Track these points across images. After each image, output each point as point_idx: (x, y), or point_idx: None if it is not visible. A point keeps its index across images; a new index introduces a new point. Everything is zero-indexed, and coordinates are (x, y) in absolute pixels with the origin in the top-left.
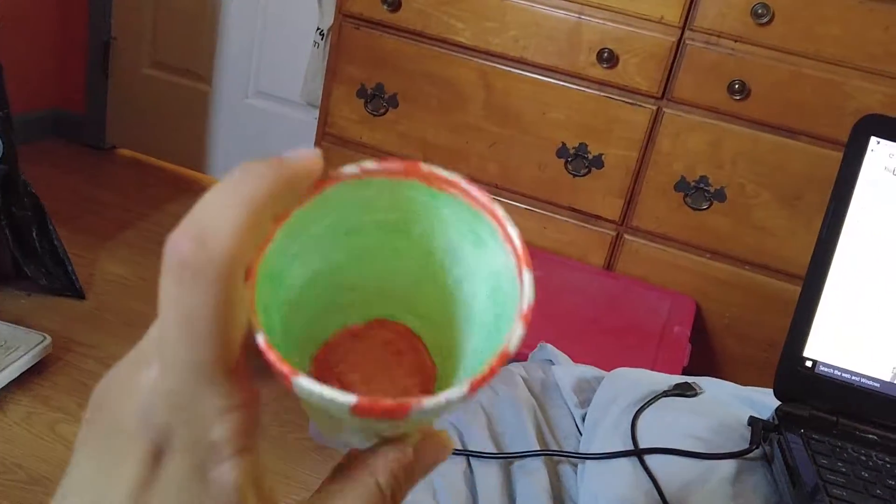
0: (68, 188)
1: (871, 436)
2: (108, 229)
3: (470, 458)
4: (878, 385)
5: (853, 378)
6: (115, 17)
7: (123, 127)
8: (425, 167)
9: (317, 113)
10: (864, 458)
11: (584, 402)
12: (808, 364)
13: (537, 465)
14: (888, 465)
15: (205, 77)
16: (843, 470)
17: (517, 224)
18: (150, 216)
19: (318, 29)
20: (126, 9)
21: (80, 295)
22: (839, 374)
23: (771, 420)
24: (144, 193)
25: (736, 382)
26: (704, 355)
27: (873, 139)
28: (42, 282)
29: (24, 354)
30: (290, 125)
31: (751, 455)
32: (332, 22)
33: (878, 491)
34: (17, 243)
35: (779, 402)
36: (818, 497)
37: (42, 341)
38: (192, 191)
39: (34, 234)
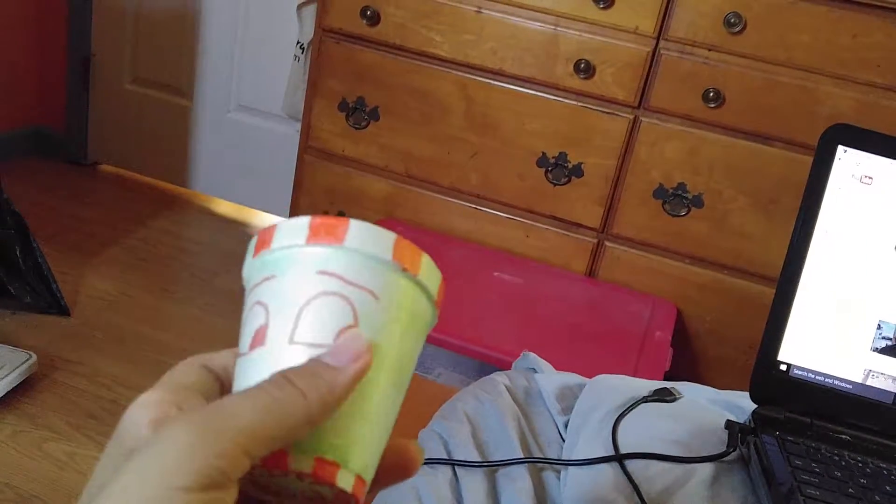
0: (51, 205)
1: (844, 436)
2: (91, 246)
3: (455, 466)
4: (850, 387)
5: (826, 380)
6: (94, 34)
7: (105, 143)
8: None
9: (299, 126)
10: (837, 458)
11: (567, 410)
12: (783, 368)
13: (521, 472)
14: (860, 465)
15: (186, 92)
16: (818, 470)
17: (500, 234)
18: (134, 232)
19: (298, 43)
20: (106, 25)
21: (64, 312)
22: (813, 376)
23: (747, 423)
24: (128, 209)
25: (717, 384)
26: (686, 359)
27: (840, 148)
28: (26, 300)
29: (10, 373)
30: (273, 139)
31: (728, 458)
32: (312, 36)
33: (851, 490)
34: (1, 262)
35: (755, 406)
36: (793, 497)
37: (27, 359)
38: (175, 205)
39: (18, 252)
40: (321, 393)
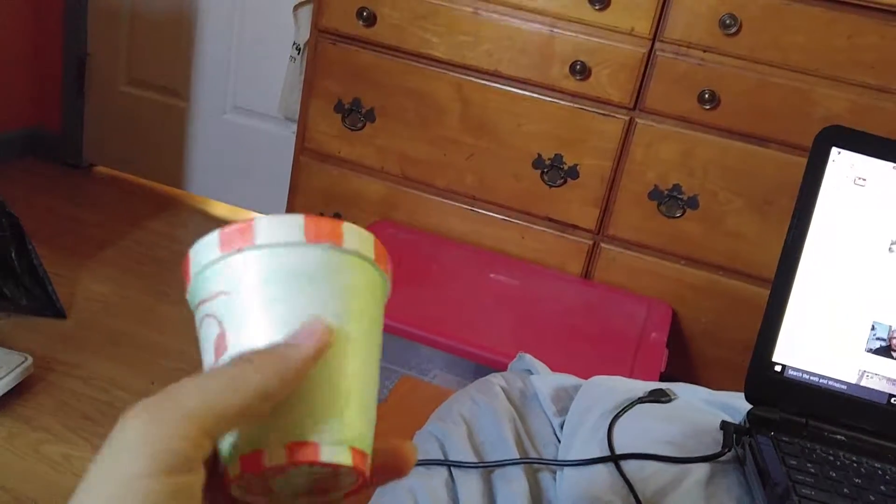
0: (46, 207)
1: (838, 436)
2: (87, 248)
3: (451, 467)
4: (844, 387)
5: (821, 381)
6: (90, 35)
7: (101, 145)
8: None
9: (295, 127)
10: (832, 458)
11: (563, 411)
12: (778, 368)
13: (517, 473)
14: (855, 465)
15: (182, 93)
16: (812, 470)
17: (496, 235)
18: (130, 234)
19: (294, 44)
20: (101, 26)
21: (60, 314)
22: (807, 377)
23: (742, 423)
24: (123, 211)
25: (713, 385)
26: (682, 360)
27: (834, 150)
28: (22, 302)
29: (6, 375)
30: (269, 140)
31: (723, 458)
32: (308, 37)
33: (846, 490)
34: None
35: (750, 406)
36: (788, 498)
37: (23, 362)
38: (170, 207)
39: (13, 254)
40: (277, 367)
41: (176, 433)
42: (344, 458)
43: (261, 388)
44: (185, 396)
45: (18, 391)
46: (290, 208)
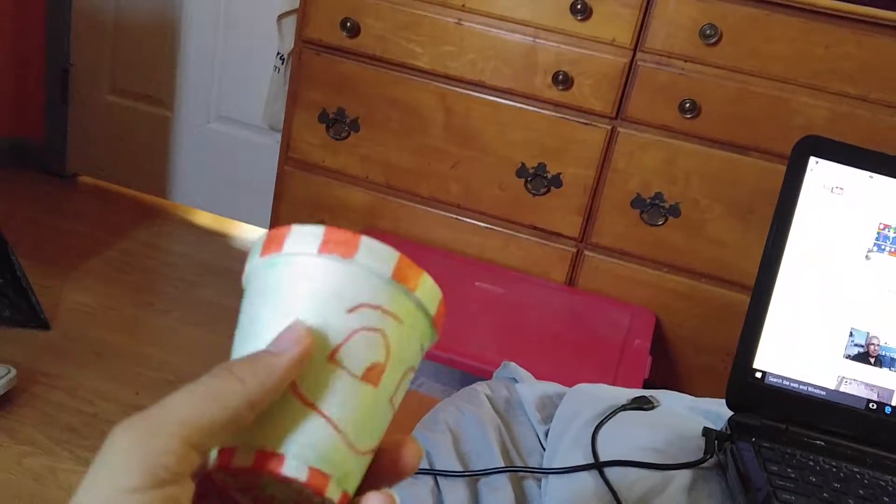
0: (30, 217)
1: (818, 442)
2: (71, 258)
3: (437, 476)
4: (823, 393)
5: (801, 387)
6: (73, 44)
7: (85, 154)
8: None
9: (279, 137)
10: (811, 463)
11: (547, 419)
12: (758, 375)
13: (503, 481)
14: (834, 470)
15: (166, 102)
16: (793, 475)
17: (480, 244)
18: (114, 244)
19: (278, 54)
20: (84, 35)
21: (44, 325)
22: (787, 383)
23: (724, 430)
24: (108, 221)
25: (696, 391)
26: (665, 367)
27: (812, 159)
28: (5, 313)
29: None
30: (253, 149)
31: (705, 464)
32: (292, 47)
33: (825, 494)
34: None
35: (731, 413)
36: (769, 503)
37: (7, 373)
38: (155, 217)
39: None
40: (260, 377)
41: (164, 448)
42: (300, 474)
43: (244, 399)
44: (171, 412)
45: (1, 403)
46: (275, 217)
